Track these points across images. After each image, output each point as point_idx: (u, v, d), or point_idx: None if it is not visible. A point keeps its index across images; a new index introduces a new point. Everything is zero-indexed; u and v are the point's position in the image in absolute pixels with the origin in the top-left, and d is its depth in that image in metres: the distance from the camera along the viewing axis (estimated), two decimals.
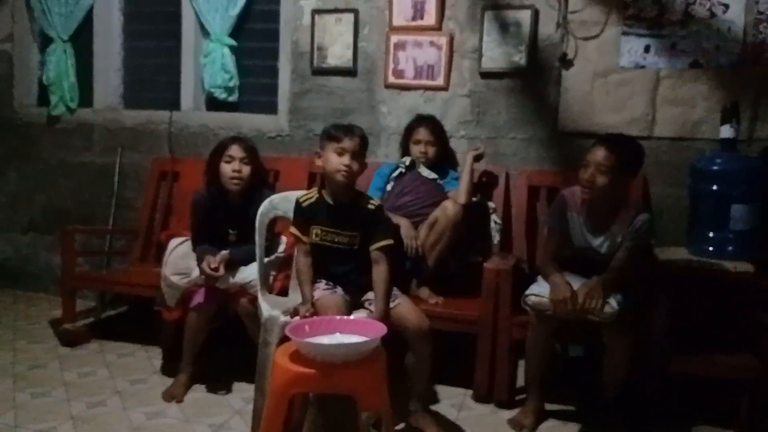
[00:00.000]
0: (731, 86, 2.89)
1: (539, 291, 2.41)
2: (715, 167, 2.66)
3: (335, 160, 2.29)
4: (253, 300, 2.54)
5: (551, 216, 2.56)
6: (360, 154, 2.32)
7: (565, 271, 2.44)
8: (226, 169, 2.72)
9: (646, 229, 2.40)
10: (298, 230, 2.37)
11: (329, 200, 2.35)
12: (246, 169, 2.74)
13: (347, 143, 2.28)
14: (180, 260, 2.78)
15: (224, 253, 2.62)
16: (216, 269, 2.56)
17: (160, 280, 2.77)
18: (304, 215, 2.37)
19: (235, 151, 2.74)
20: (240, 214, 2.72)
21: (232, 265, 2.63)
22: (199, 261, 2.63)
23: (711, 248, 2.62)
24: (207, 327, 2.72)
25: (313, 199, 2.37)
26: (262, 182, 2.86)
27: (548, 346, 2.50)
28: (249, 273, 2.61)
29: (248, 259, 2.62)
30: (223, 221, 2.77)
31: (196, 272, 2.67)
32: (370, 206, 2.36)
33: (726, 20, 2.89)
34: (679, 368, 2.47)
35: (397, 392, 2.12)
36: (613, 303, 2.28)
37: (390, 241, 2.35)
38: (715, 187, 2.63)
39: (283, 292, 2.69)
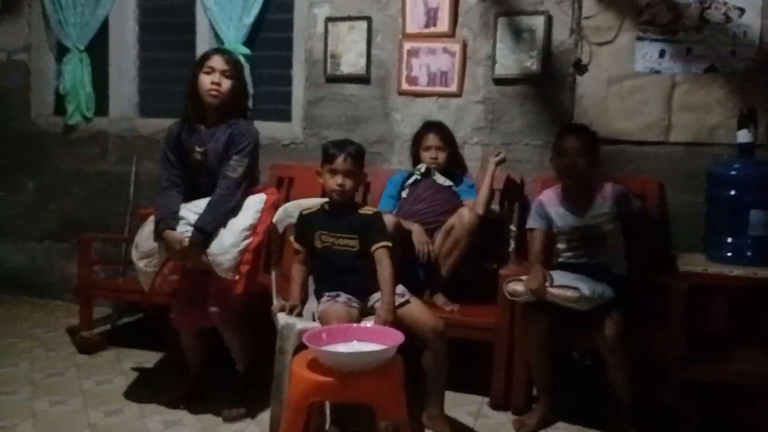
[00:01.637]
0: (748, 91, 2.87)
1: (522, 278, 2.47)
2: (732, 172, 2.64)
3: (330, 181, 2.40)
4: (228, 301, 2.45)
5: (531, 218, 2.72)
6: (353, 172, 2.41)
7: (577, 270, 2.51)
8: (205, 80, 2.53)
9: (627, 195, 2.62)
10: (298, 241, 2.48)
11: (328, 208, 2.47)
12: (226, 83, 2.54)
13: (338, 164, 2.39)
14: (145, 242, 2.59)
15: (185, 236, 2.44)
16: (180, 245, 2.43)
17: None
18: (305, 224, 2.47)
19: (217, 62, 2.55)
20: (210, 136, 2.56)
21: (202, 238, 2.43)
22: (158, 221, 2.47)
23: (729, 254, 2.60)
24: (199, 344, 2.68)
25: (314, 210, 2.49)
26: (241, 107, 2.65)
27: (544, 347, 2.48)
28: (221, 248, 2.42)
29: (219, 225, 2.45)
30: (192, 141, 2.58)
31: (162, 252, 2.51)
32: (367, 212, 2.48)
33: (742, 24, 2.88)
34: (695, 376, 2.44)
35: (412, 402, 2.11)
36: (584, 290, 2.30)
37: (387, 243, 2.38)
38: (732, 193, 2.61)
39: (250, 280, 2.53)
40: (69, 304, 3.89)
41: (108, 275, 3.74)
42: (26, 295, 4.20)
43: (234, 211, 2.51)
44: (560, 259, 2.67)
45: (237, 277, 2.45)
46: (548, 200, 2.69)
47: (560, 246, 2.68)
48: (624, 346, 2.34)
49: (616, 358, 2.37)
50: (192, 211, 2.50)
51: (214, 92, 2.52)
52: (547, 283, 2.36)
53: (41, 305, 4.07)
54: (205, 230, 2.44)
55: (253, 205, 2.56)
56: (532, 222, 2.71)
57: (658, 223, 2.93)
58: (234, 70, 2.57)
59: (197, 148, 2.55)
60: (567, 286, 2.34)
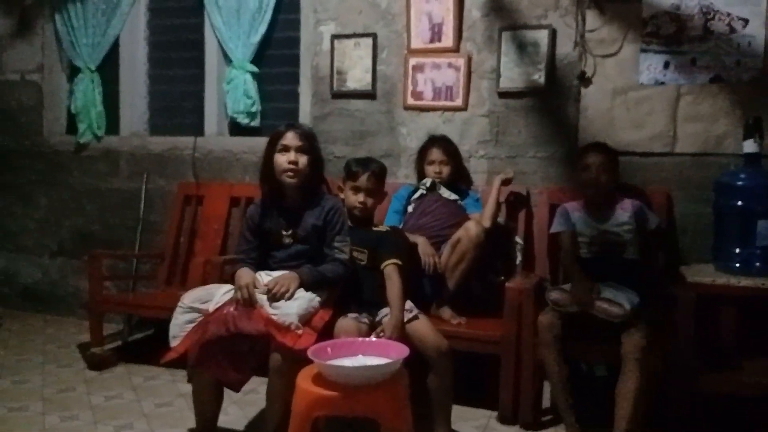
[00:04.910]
0: (753, 100, 2.87)
1: (565, 287, 2.54)
2: (739, 182, 2.62)
3: (352, 198, 2.53)
4: (287, 351, 2.12)
5: (557, 222, 2.83)
6: (375, 190, 2.52)
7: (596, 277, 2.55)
8: (281, 160, 2.39)
9: (646, 210, 2.77)
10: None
11: (350, 223, 2.53)
12: (303, 160, 2.39)
13: (362, 182, 2.48)
14: (200, 290, 2.44)
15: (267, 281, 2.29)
16: (250, 297, 2.22)
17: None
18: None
19: (290, 139, 2.39)
20: (296, 217, 2.43)
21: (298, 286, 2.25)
22: (238, 277, 2.32)
23: (738, 264, 2.58)
24: (215, 399, 2.35)
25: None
26: (320, 178, 2.51)
27: (560, 354, 2.46)
28: (289, 310, 2.18)
29: (318, 285, 2.31)
30: (277, 224, 2.44)
31: (218, 296, 2.33)
32: (380, 228, 2.57)
33: (746, 35, 2.88)
34: (706, 387, 2.42)
35: (418, 415, 2.10)
36: (626, 305, 2.36)
37: (397, 261, 2.43)
38: (740, 203, 2.59)
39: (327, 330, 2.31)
40: (80, 320, 3.93)
41: (119, 290, 3.77)
42: (39, 310, 4.26)
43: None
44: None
45: (300, 332, 2.17)
46: (571, 207, 2.83)
47: (582, 252, 2.74)
48: (650, 356, 2.33)
49: (639, 369, 2.32)
50: (270, 276, 2.35)
51: (291, 173, 2.38)
52: (594, 296, 2.42)
53: (54, 320, 4.12)
54: (302, 277, 2.30)
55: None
56: (557, 226, 2.82)
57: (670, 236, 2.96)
58: (308, 143, 2.43)
59: (284, 232, 2.43)
60: (612, 300, 2.38)
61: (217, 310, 2.27)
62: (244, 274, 2.33)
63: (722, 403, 2.47)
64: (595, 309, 2.40)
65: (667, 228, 2.93)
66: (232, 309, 2.23)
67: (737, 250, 2.59)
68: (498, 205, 2.96)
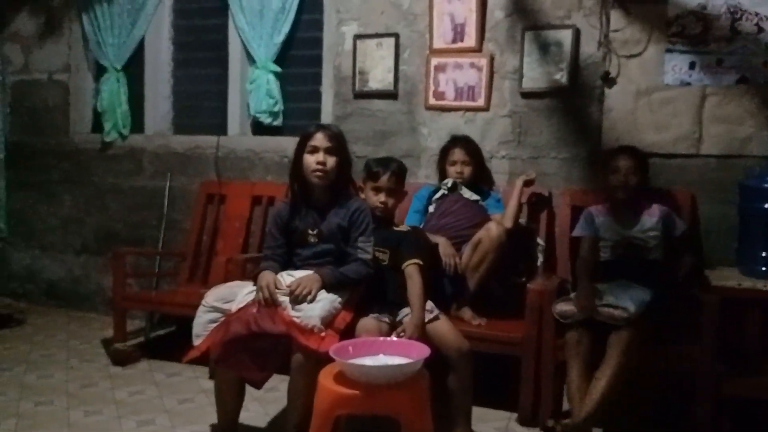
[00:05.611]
0: None
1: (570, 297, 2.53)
2: (765, 185, 2.60)
3: (373, 198, 2.54)
4: (310, 352, 2.12)
5: (580, 226, 2.84)
6: (396, 189, 2.55)
7: (617, 276, 2.61)
8: (310, 161, 2.41)
9: (674, 217, 2.76)
10: None
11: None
12: (331, 161, 2.41)
13: (383, 182, 2.51)
14: (224, 289, 2.45)
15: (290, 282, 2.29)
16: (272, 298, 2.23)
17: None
18: None
19: (319, 140, 2.41)
20: (323, 216, 2.45)
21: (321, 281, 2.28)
22: (260, 278, 2.31)
23: (764, 268, 2.55)
24: (238, 396, 2.36)
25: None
26: (346, 178, 2.52)
27: (584, 375, 2.39)
28: (311, 312, 2.19)
29: (340, 285, 2.32)
30: (304, 222, 2.47)
31: (241, 296, 2.34)
32: (402, 228, 2.58)
33: None
34: (730, 392, 2.39)
35: (438, 416, 2.10)
36: (630, 307, 2.36)
37: (418, 261, 2.44)
38: (765, 206, 2.56)
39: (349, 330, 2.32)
40: (104, 316, 3.98)
41: (142, 287, 3.82)
42: (63, 306, 4.32)
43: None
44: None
45: (323, 334, 2.18)
46: (597, 211, 2.83)
47: (603, 255, 2.75)
48: (632, 351, 2.34)
49: (617, 361, 2.32)
50: (292, 277, 2.36)
51: (319, 173, 2.40)
52: (596, 301, 2.42)
53: (78, 317, 4.18)
54: (324, 279, 2.31)
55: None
56: (580, 230, 2.83)
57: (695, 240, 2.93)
58: (337, 144, 2.45)
59: (310, 231, 2.45)
60: (615, 306, 2.38)
61: (239, 310, 2.29)
62: (266, 274, 2.34)
63: (748, 408, 2.44)
64: (600, 315, 2.40)
65: (692, 230, 2.89)
66: (254, 310, 2.24)
67: (763, 254, 2.57)
68: (520, 206, 2.96)
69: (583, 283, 2.61)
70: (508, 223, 2.84)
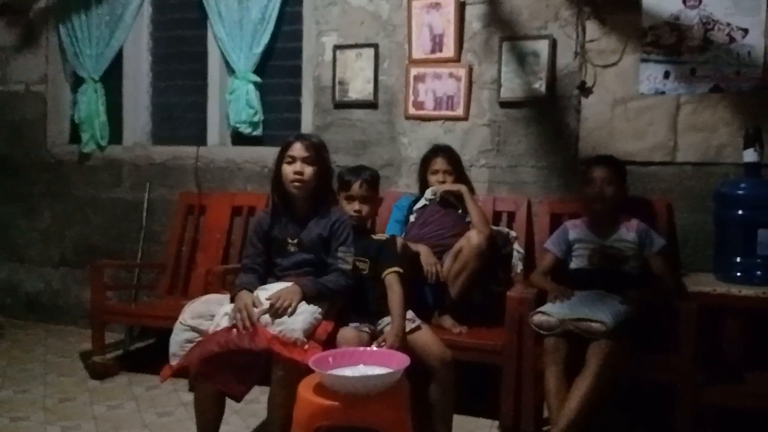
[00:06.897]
0: (753, 110, 2.88)
1: (546, 309, 2.49)
2: (739, 192, 2.63)
3: (347, 207, 2.54)
4: (291, 364, 2.12)
5: (550, 240, 2.90)
6: (369, 197, 2.54)
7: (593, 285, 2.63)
8: (288, 171, 2.42)
9: (652, 233, 2.76)
10: None
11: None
12: (308, 171, 2.41)
13: (355, 190, 2.52)
14: (201, 304, 2.41)
15: (264, 307, 2.23)
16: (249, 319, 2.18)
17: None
18: None
19: (297, 150, 2.42)
20: (303, 226, 2.45)
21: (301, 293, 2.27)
22: (235, 294, 2.30)
23: (739, 274, 2.58)
24: (217, 409, 2.32)
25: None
26: (329, 189, 2.54)
27: (563, 382, 2.39)
28: (293, 325, 2.18)
29: (320, 296, 2.31)
30: (284, 232, 2.46)
31: (219, 317, 2.28)
32: (380, 237, 2.58)
33: (745, 45, 2.89)
34: (709, 400, 2.41)
35: (419, 425, 2.10)
36: (608, 321, 2.35)
37: (398, 269, 2.43)
38: (740, 212, 2.60)
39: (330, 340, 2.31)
40: (83, 330, 3.93)
41: (121, 300, 3.78)
42: (42, 320, 4.26)
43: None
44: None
45: (306, 347, 2.17)
46: (573, 225, 2.86)
47: (580, 263, 2.77)
48: (610, 363, 2.33)
49: (595, 374, 2.31)
50: (268, 291, 2.32)
51: (297, 183, 2.41)
52: (570, 312, 2.42)
53: (56, 330, 4.12)
54: (304, 291, 2.29)
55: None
56: (550, 244, 2.88)
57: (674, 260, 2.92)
58: (315, 153, 2.44)
59: (291, 240, 2.45)
60: (592, 319, 2.36)
61: (216, 333, 2.24)
62: (243, 295, 2.29)
63: (728, 416, 2.45)
64: (577, 328, 2.39)
65: (668, 238, 2.93)
66: (233, 334, 2.19)
67: (738, 260, 2.60)
68: (481, 209, 2.97)
69: (548, 286, 2.70)
70: (484, 229, 2.84)
